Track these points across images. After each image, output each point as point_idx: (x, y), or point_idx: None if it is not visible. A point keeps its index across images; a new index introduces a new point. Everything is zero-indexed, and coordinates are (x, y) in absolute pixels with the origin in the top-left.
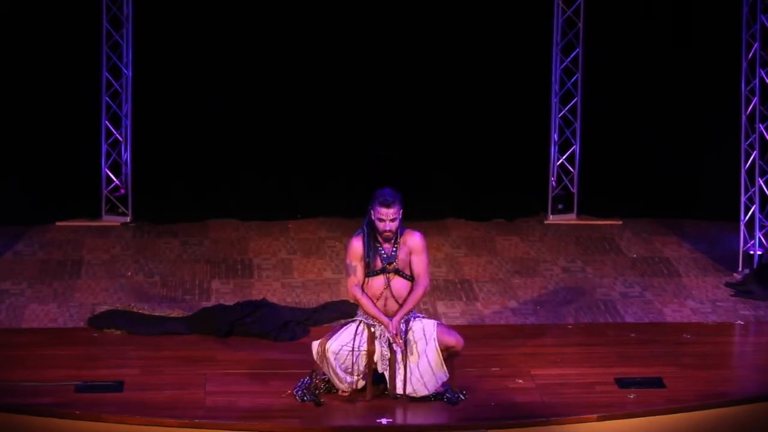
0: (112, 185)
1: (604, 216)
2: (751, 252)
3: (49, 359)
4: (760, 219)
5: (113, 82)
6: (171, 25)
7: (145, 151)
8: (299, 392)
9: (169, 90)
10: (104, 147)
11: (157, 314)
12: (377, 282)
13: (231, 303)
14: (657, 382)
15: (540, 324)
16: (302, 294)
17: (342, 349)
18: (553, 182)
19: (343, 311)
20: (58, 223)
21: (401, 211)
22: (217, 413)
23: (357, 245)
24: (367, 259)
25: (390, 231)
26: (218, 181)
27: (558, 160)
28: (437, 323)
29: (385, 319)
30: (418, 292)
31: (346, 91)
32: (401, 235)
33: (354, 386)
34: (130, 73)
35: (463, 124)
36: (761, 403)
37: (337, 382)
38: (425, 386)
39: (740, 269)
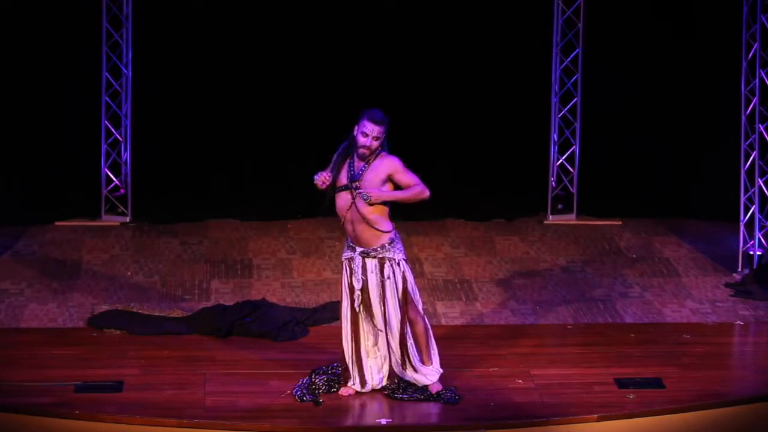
0: (112, 185)
1: (604, 216)
2: (751, 252)
3: (49, 359)
4: (759, 219)
5: (113, 82)
6: (171, 25)
7: (145, 151)
8: (299, 392)
9: (169, 90)
10: (104, 147)
11: (157, 314)
12: (342, 200)
13: (231, 303)
14: (656, 383)
15: (539, 324)
16: (302, 294)
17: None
18: (553, 182)
19: None
20: (57, 223)
21: (385, 136)
22: (217, 413)
23: (333, 157)
24: (333, 173)
25: (367, 148)
26: (218, 181)
27: (558, 160)
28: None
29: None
30: (415, 189)
31: (345, 91)
32: (376, 156)
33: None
34: (130, 73)
35: (462, 124)
36: (761, 403)
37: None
38: (392, 334)
39: (740, 269)
